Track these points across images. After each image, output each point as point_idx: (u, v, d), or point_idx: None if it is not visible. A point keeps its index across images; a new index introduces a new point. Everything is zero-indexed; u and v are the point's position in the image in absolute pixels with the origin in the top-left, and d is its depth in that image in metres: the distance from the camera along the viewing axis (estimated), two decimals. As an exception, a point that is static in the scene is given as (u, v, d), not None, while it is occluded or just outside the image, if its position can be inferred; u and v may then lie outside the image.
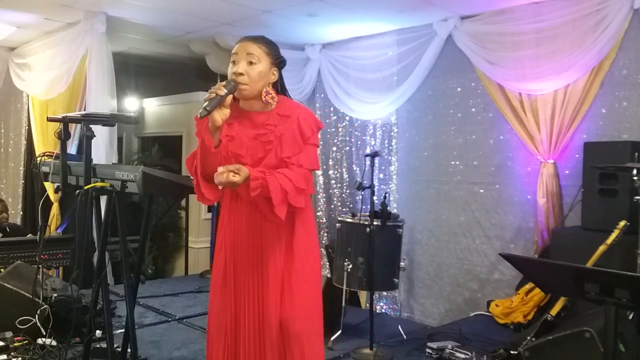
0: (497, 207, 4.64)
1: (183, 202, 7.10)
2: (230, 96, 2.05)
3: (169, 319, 4.37)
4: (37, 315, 3.35)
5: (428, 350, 3.64)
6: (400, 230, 4.13)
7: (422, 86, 5.04)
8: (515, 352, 3.25)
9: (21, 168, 6.28)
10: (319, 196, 5.96)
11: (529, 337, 3.28)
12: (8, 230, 4.90)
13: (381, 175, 5.36)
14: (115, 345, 2.85)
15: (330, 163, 5.89)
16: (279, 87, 2.25)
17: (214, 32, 5.40)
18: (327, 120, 5.89)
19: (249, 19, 4.93)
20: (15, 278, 3.57)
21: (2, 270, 3.81)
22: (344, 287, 3.94)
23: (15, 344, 3.29)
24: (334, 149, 5.86)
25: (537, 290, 4.01)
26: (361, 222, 3.93)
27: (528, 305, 4.08)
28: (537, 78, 4.24)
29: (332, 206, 5.88)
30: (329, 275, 4.32)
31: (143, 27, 5.33)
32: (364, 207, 4.19)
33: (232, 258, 2.21)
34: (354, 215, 4.07)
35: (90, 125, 2.77)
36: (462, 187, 4.87)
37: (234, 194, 2.20)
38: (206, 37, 5.60)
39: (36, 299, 3.35)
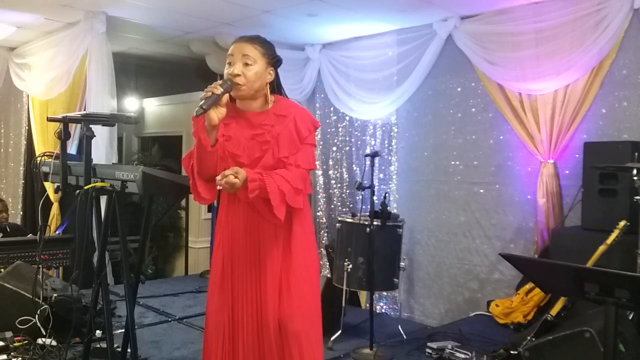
0: (497, 207, 4.64)
1: (183, 202, 7.11)
2: (227, 95, 2.05)
3: (169, 319, 4.37)
4: (37, 315, 3.35)
5: (428, 350, 3.64)
6: (400, 230, 4.13)
7: (422, 86, 5.04)
8: (515, 352, 3.25)
9: (21, 168, 6.28)
10: (319, 196, 5.96)
11: (529, 337, 3.28)
12: (8, 230, 4.89)
13: (381, 175, 5.36)
14: (115, 345, 2.85)
15: (330, 163, 5.89)
16: (276, 86, 2.25)
17: (214, 32, 5.40)
18: (327, 120, 5.89)
19: (249, 19, 4.93)
20: (15, 278, 3.57)
21: (2, 270, 3.81)
22: (344, 287, 3.94)
23: (15, 344, 3.28)
24: (334, 149, 5.86)
25: (537, 290, 4.01)
26: (361, 222, 3.93)
27: (528, 305, 4.08)
28: (537, 78, 4.24)
29: (332, 206, 5.88)
30: (329, 275, 4.32)
31: (143, 27, 5.33)
32: (364, 207, 4.19)
33: (229, 258, 2.21)
34: (354, 215, 4.07)
35: (90, 125, 2.77)
36: (462, 187, 4.87)
37: (232, 194, 2.20)
38: (206, 37, 5.60)
39: (36, 299, 3.35)
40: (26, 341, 3.31)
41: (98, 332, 3.26)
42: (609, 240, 3.17)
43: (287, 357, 2.13)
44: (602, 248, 3.18)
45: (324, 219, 5.93)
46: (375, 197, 3.81)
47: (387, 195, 4.27)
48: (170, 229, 7.33)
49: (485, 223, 4.70)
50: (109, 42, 4.96)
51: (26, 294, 3.38)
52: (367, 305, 4.25)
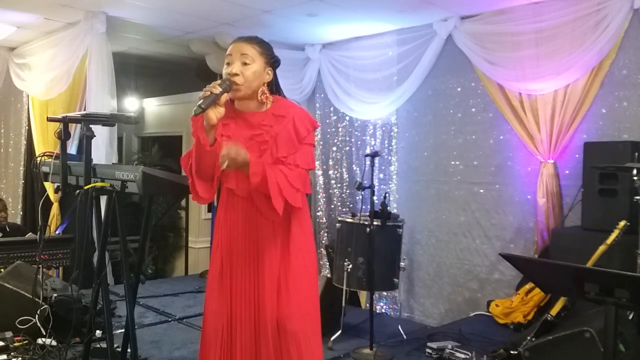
0: (497, 207, 4.64)
1: (183, 202, 7.11)
2: (226, 95, 2.05)
3: (169, 319, 4.37)
4: (37, 315, 3.35)
5: (428, 350, 3.64)
6: (400, 230, 4.13)
7: (422, 86, 5.04)
8: (515, 352, 3.25)
9: (21, 168, 6.28)
10: (319, 196, 5.96)
11: (529, 337, 3.28)
12: (8, 229, 4.89)
13: (381, 175, 5.36)
14: (115, 345, 2.85)
15: (330, 163, 5.89)
16: (274, 86, 2.25)
17: (214, 32, 5.40)
18: (327, 120, 5.89)
19: (249, 19, 4.93)
20: (15, 278, 3.57)
21: (2, 270, 3.81)
22: (344, 287, 3.94)
23: (15, 344, 3.29)
24: (334, 149, 5.86)
25: (537, 290, 4.01)
26: (361, 222, 3.93)
27: (528, 305, 4.08)
28: (537, 78, 4.24)
29: (332, 206, 5.88)
30: (329, 275, 4.32)
31: (143, 27, 5.33)
32: (364, 207, 4.19)
33: (228, 257, 2.21)
34: (354, 215, 4.06)
35: (90, 125, 2.77)
36: (462, 187, 4.87)
37: (231, 193, 2.20)
38: (206, 37, 5.60)
39: (36, 299, 3.35)
40: (26, 341, 3.31)
41: (98, 332, 3.26)
42: (609, 240, 3.17)
43: (285, 357, 2.12)
44: (602, 248, 3.18)
45: (324, 219, 5.93)
46: (375, 197, 3.81)
47: (387, 195, 4.27)
48: (170, 229, 7.33)
49: (485, 223, 4.70)
50: (109, 42, 4.96)
51: (26, 294, 3.38)
52: (367, 305, 4.25)
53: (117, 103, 5.25)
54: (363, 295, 4.93)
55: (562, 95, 4.18)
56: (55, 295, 3.49)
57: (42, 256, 4.06)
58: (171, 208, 6.93)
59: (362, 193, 3.95)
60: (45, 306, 3.40)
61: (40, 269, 3.40)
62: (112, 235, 2.79)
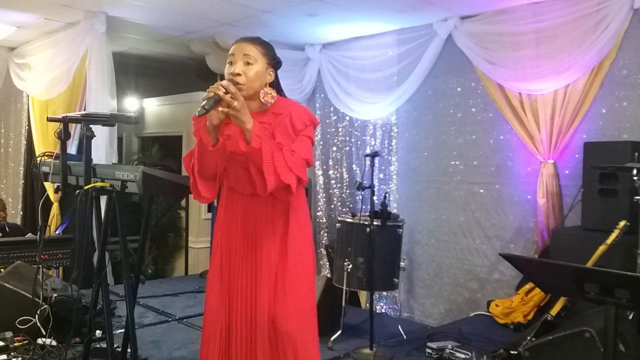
0: (497, 207, 4.64)
1: (183, 202, 7.11)
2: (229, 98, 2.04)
3: (169, 319, 4.37)
4: (37, 315, 3.35)
5: (428, 350, 3.64)
6: (400, 230, 4.13)
7: (422, 86, 5.04)
8: (515, 352, 3.25)
9: (21, 168, 6.28)
10: (319, 196, 5.96)
11: (529, 337, 3.28)
12: (7, 229, 4.89)
13: (381, 175, 5.36)
14: (115, 345, 2.85)
15: (330, 163, 5.89)
16: (275, 87, 2.25)
17: (214, 32, 5.40)
18: (327, 120, 5.89)
19: (249, 19, 4.93)
20: (15, 278, 3.57)
21: (2, 270, 3.81)
22: (344, 287, 3.94)
23: (15, 344, 3.29)
24: (334, 149, 5.86)
25: (537, 290, 4.01)
26: (361, 222, 3.93)
27: (528, 305, 4.08)
28: (537, 78, 4.24)
29: (332, 206, 5.88)
30: (329, 275, 4.32)
31: (143, 27, 5.33)
32: (364, 207, 4.19)
33: (227, 256, 2.22)
34: (354, 215, 4.06)
35: (90, 125, 2.77)
36: (462, 187, 4.87)
37: (231, 192, 2.21)
38: (206, 37, 5.60)
39: (36, 299, 3.35)
40: (26, 341, 3.31)
41: (98, 332, 3.26)
42: (609, 240, 3.17)
43: (281, 357, 2.12)
44: (602, 248, 3.18)
45: (324, 219, 5.93)
46: (375, 197, 3.81)
47: (387, 195, 4.27)
48: (170, 229, 7.33)
49: (485, 223, 4.70)
50: (109, 42, 4.96)
51: (26, 294, 3.39)
52: (367, 305, 4.25)
53: (117, 103, 5.25)
54: (363, 295, 4.93)
55: (562, 95, 4.18)
56: (55, 295, 3.49)
57: (42, 256, 4.06)
58: (171, 208, 6.93)
59: (362, 193, 3.95)
60: (45, 306, 3.40)
61: (40, 269, 3.40)
62: (112, 235, 2.79)
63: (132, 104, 7.47)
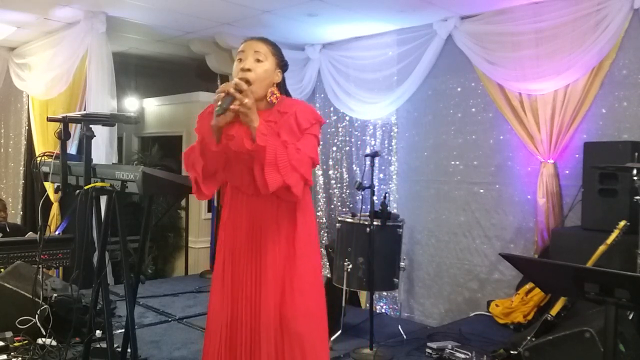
0: (497, 207, 4.64)
1: (183, 202, 7.10)
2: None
3: (169, 319, 4.37)
4: (37, 315, 3.35)
5: (428, 350, 3.64)
6: (400, 230, 4.13)
7: (422, 86, 5.04)
8: (515, 352, 3.25)
9: (21, 168, 6.28)
10: (319, 196, 5.96)
11: (529, 337, 3.28)
12: (8, 229, 4.89)
13: (381, 175, 5.36)
14: (115, 345, 2.85)
15: (330, 163, 5.89)
16: (283, 89, 2.25)
17: (214, 32, 5.40)
18: (327, 120, 5.88)
19: (249, 19, 4.93)
20: (15, 278, 3.57)
21: (2, 270, 3.81)
22: (344, 287, 3.94)
23: (15, 344, 3.29)
24: (334, 149, 5.86)
25: (537, 290, 4.01)
26: (361, 222, 3.93)
27: (528, 305, 4.08)
28: (537, 78, 4.24)
29: (332, 206, 5.88)
30: (328, 275, 4.32)
31: (143, 27, 5.33)
32: (364, 207, 4.19)
33: (230, 256, 2.20)
34: (354, 215, 4.07)
35: (90, 125, 2.77)
36: (462, 187, 4.87)
37: (235, 192, 2.20)
38: (206, 37, 5.60)
39: (36, 299, 3.35)
40: (26, 341, 3.31)
41: (98, 332, 3.26)
42: (609, 240, 3.17)
43: (288, 358, 2.10)
44: (602, 248, 3.17)
45: (324, 219, 5.93)
46: (375, 197, 3.81)
47: (387, 195, 4.27)
48: (170, 229, 7.32)
49: (485, 223, 4.70)
50: (109, 42, 4.96)
51: (26, 294, 3.39)
52: (367, 305, 4.26)
53: (117, 103, 5.25)
54: (363, 295, 4.94)
55: (562, 95, 4.18)
56: (55, 295, 3.49)
57: (42, 256, 4.06)
58: (171, 208, 6.93)
59: (362, 193, 3.95)
60: (45, 306, 3.40)
61: (40, 269, 3.40)
62: (112, 235, 2.79)
63: (132, 104, 7.47)
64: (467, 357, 3.42)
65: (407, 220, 4.54)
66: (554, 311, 3.36)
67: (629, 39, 3.93)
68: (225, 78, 6.31)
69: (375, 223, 3.81)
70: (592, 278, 1.88)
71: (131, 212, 6.31)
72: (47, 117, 3.00)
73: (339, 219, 4.18)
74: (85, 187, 2.62)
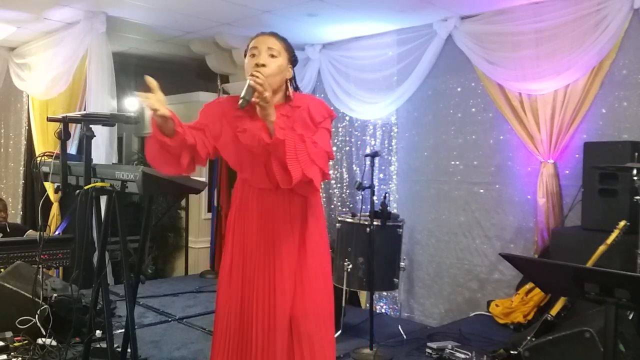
0: (497, 207, 4.64)
1: (183, 202, 7.10)
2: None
3: (169, 319, 4.37)
4: (37, 315, 3.35)
5: (428, 350, 3.64)
6: (400, 230, 4.13)
7: (422, 86, 5.04)
8: (515, 352, 3.25)
9: (21, 168, 6.28)
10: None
11: (529, 337, 3.28)
12: (8, 230, 4.90)
13: (381, 175, 5.36)
14: (115, 345, 2.85)
15: (330, 163, 5.89)
16: (293, 85, 2.24)
17: (214, 32, 5.40)
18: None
19: (249, 19, 4.93)
20: (15, 278, 3.57)
21: (2, 270, 3.81)
22: (344, 287, 3.94)
23: (15, 344, 3.29)
24: (334, 149, 5.86)
25: (537, 290, 4.01)
26: (361, 222, 3.94)
27: (528, 305, 4.08)
28: (537, 78, 4.24)
29: (332, 206, 5.88)
30: (329, 275, 4.31)
31: (143, 27, 5.33)
32: (364, 207, 4.19)
33: (241, 253, 2.17)
34: (354, 215, 4.07)
35: (90, 125, 2.77)
36: (462, 187, 4.87)
37: (245, 187, 2.17)
38: (206, 37, 5.60)
39: (36, 299, 3.35)
40: (26, 341, 3.31)
41: (98, 332, 3.26)
42: (609, 240, 3.17)
43: (297, 357, 2.09)
44: (602, 248, 3.17)
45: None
46: (375, 197, 3.81)
47: (387, 195, 4.27)
48: (170, 229, 7.32)
49: (485, 223, 4.70)
50: (109, 42, 4.96)
51: (26, 294, 3.39)
52: (367, 305, 4.26)
53: (117, 103, 5.25)
54: (363, 295, 4.94)
55: (562, 95, 4.18)
56: (55, 295, 3.49)
57: (42, 256, 4.06)
58: (171, 208, 6.92)
59: (362, 193, 3.95)
60: (45, 306, 3.40)
61: (40, 269, 3.40)
62: (112, 235, 2.79)
63: (132, 104, 7.46)
64: (467, 357, 3.42)
65: (407, 220, 4.54)
66: (554, 311, 3.36)
67: (629, 39, 3.93)
68: (225, 78, 6.32)
69: (375, 223, 3.81)
70: (592, 278, 1.88)
71: (131, 212, 6.30)
72: (47, 117, 3.00)
73: (339, 219, 4.18)
74: (85, 187, 2.62)
